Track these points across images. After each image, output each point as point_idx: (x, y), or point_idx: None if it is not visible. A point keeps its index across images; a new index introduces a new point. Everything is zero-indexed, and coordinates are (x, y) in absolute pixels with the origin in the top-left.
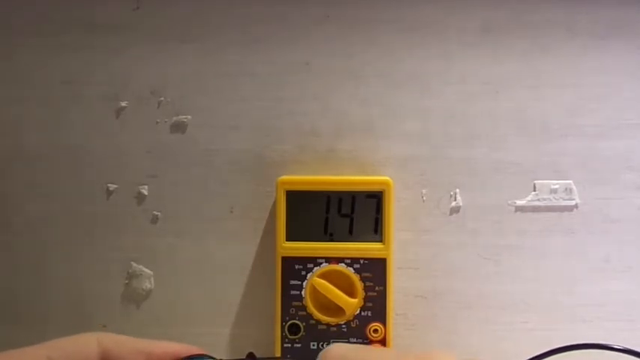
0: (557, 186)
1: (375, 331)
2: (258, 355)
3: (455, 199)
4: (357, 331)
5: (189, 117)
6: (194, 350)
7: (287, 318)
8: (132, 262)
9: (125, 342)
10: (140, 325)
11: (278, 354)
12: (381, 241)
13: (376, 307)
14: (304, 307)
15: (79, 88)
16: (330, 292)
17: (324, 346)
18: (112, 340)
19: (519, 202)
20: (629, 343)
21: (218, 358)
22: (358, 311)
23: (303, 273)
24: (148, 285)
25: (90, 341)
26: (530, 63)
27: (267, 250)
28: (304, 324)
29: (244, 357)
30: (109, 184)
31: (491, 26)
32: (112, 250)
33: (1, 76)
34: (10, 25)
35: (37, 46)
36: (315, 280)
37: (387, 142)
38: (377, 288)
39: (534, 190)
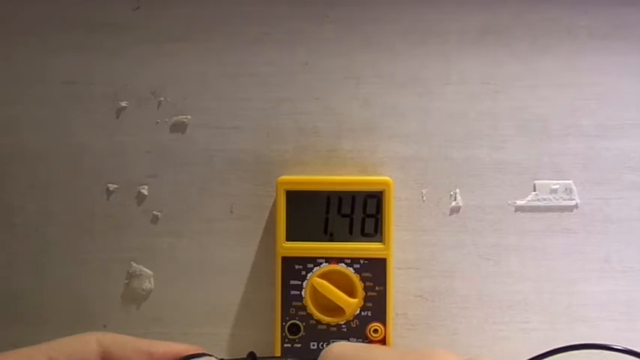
0: (557, 186)
1: (375, 331)
2: (258, 355)
3: (455, 199)
4: (357, 331)
5: (189, 117)
6: (194, 350)
7: (287, 318)
8: (132, 262)
9: (126, 342)
10: (140, 325)
11: (278, 354)
12: (381, 241)
13: (376, 307)
14: (304, 307)
15: (79, 88)
16: (330, 292)
17: (324, 346)
18: (112, 339)
19: (519, 202)
20: (629, 343)
21: (218, 357)
22: (358, 311)
23: (303, 273)
24: (148, 285)
25: (90, 341)
26: (530, 63)
27: (267, 250)
28: (304, 324)
29: (245, 357)
30: (109, 184)
31: (491, 26)
32: (112, 250)
33: (0, 76)
34: (10, 25)
35: (37, 46)
36: (315, 280)
37: (387, 142)
38: (377, 288)
39: (534, 190)
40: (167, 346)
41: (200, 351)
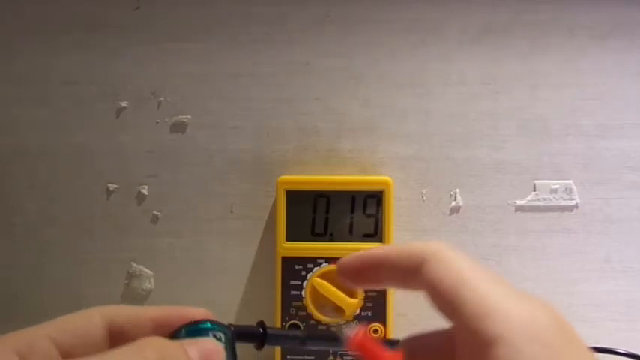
0: (557, 186)
1: (375, 331)
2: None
3: (455, 199)
4: None
5: (189, 117)
6: (196, 314)
7: (287, 318)
8: (132, 262)
9: (129, 311)
10: None
11: (278, 354)
12: (381, 241)
13: (376, 307)
14: (304, 307)
15: (80, 88)
16: (330, 292)
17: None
18: (115, 311)
19: (519, 202)
20: (629, 343)
21: (225, 324)
22: (358, 311)
23: (303, 273)
24: (148, 285)
25: (93, 315)
26: (531, 63)
27: (267, 250)
28: (304, 324)
29: (254, 324)
30: (109, 184)
31: (491, 27)
32: (112, 250)
33: (1, 76)
34: (10, 25)
35: (37, 46)
36: (315, 280)
37: (388, 142)
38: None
39: (534, 190)
40: (166, 310)
41: (206, 316)
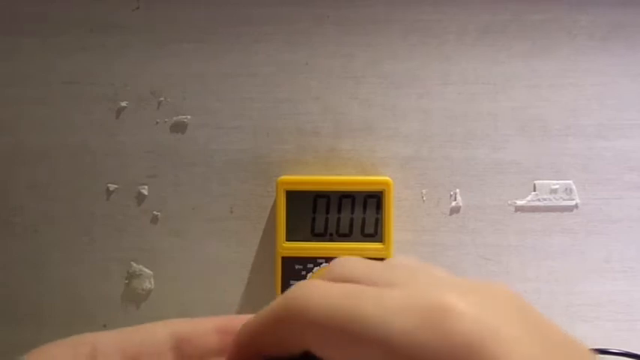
0: (557, 186)
1: None
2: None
3: (455, 199)
4: None
5: (189, 117)
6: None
7: None
8: (132, 262)
9: (193, 322)
10: None
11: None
12: (381, 241)
13: None
14: None
15: (79, 88)
16: None
17: None
18: (180, 322)
19: (519, 202)
20: (629, 344)
21: None
22: None
23: (303, 273)
24: (148, 285)
25: (158, 326)
26: (531, 63)
27: (267, 250)
28: None
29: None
30: (109, 184)
31: (491, 27)
32: (112, 250)
33: (1, 76)
34: (11, 25)
35: (37, 46)
36: None
37: (387, 142)
38: None
39: (534, 190)
40: (229, 318)
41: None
